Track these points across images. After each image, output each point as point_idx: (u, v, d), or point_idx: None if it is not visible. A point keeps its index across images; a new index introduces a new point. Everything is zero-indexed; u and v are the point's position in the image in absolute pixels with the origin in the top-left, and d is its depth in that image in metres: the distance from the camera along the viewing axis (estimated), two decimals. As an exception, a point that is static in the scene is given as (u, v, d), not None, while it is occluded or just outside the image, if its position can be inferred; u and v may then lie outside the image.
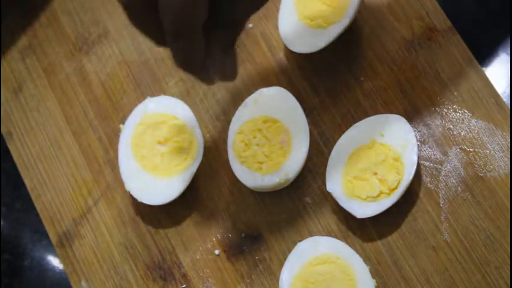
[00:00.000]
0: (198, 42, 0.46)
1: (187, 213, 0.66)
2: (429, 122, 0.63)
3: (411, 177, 0.60)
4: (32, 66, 0.73)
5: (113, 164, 0.69)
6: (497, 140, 0.62)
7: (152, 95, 0.68)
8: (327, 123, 0.65)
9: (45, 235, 0.70)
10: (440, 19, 0.65)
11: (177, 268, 0.65)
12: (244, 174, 0.63)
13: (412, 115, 0.63)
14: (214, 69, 0.49)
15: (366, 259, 0.60)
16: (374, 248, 0.62)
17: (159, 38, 0.46)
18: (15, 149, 0.72)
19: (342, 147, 0.62)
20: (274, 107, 0.64)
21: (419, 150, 0.61)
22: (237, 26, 0.49)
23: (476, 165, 0.62)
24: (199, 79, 0.50)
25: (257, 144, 0.63)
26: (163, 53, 0.70)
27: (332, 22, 0.63)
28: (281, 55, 0.68)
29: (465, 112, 0.63)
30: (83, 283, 0.67)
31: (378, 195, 0.60)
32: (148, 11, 0.43)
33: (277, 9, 0.67)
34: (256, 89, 0.65)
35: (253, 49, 0.68)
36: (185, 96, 0.68)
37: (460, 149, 0.62)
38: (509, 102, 0.63)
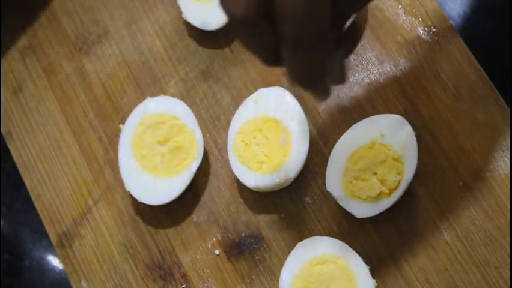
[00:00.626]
0: (322, 52, 0.40)
1: (187, 213, 0.66)
2: (429, 121, 0.63)
3: (411, 177, 0.60)
4: (32, 66, 0.73)
5: (113, 164, 0.68)
6: (497, 140, 0.62)
7: (152, 95, 0.68)
8: (327, 123, 0.65)
9: (45, 235, 0.70)
10: (440, 19, 0.65)
11: (177, 268, 0.65)
12: (244, 174, 0.63)
13: (412, 115, 0.63)
14: (331, 75, 0.44)
15: (366, 259, 0.60)
16: (374, 248, 0.62)
17: (270, 55, 0.41)
18: (15, 149, 0.72)
19: (342, 147, 0.62)
20: (274, 107, 0.64)
21: (419, 149, 0.61)
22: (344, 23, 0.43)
23: (476, 165, 0.62)
24: (316, 95, 0.44)
25: (257, 144, 0.63)
26: (163, 53, 0.70)
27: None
28: (281, 55, 0.68)
29: (465, 112, 0.63)
30: (83, 283, 0.67)
31: (378, 195, 0.60)
32: (261, 24, 0.39)
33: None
34: (256, 89, 0.65)
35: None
36: (185, 96, 0.68)
37: (460, 148, 0.62)
38: (509, 102, 0.62)
